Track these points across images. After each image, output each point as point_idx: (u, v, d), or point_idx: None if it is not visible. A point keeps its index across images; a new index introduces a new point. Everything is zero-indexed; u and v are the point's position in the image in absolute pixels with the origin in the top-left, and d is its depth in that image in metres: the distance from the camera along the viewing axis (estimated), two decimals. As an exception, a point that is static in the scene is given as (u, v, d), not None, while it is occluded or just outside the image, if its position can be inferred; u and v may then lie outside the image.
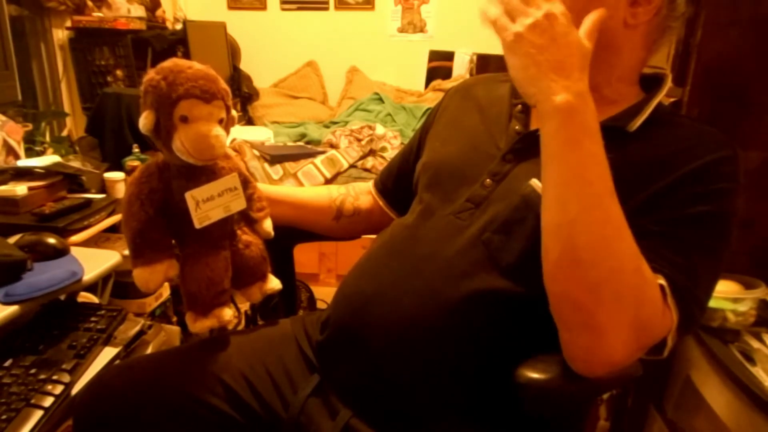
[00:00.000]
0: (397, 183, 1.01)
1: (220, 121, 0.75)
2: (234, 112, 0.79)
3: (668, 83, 0.77)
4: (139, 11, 2.72)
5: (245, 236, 0.84)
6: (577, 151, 0.60)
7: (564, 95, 0.59)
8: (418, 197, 0.86)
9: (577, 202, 0.59)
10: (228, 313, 0.80)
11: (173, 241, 0.80)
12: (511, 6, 0.62)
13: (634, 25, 0.72)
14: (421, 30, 3.72)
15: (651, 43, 0.76)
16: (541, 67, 0.60)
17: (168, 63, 0.73)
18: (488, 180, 0.77)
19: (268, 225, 0.87)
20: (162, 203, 0.76)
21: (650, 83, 0.78)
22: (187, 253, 0.79)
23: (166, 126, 0.72)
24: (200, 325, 0.79)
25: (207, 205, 0.76)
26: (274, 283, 0.88)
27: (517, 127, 0.79)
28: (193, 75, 0.72)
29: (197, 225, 0.75)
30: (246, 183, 0.83)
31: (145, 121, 0.72)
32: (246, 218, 0.85)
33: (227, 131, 0.77)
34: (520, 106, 0.81)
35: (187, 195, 0.74)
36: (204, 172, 0.77)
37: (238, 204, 0.79)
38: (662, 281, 0.61)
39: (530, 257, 0.65)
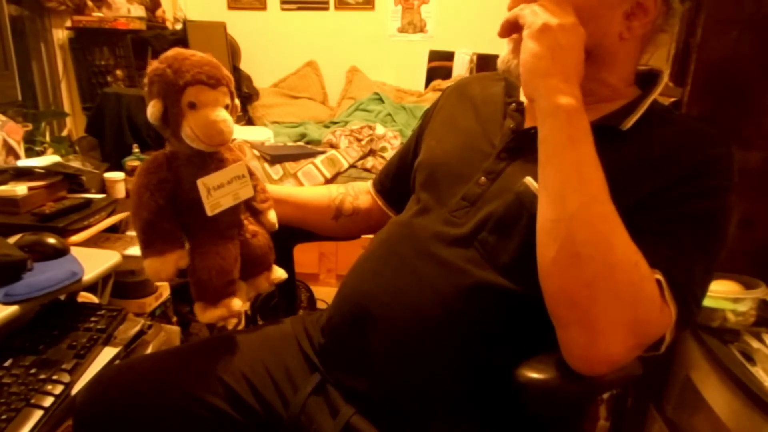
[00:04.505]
0: (396, 182, 1.01)
1: (226, 107, 0.75)
2: (237, 101, 0.79)
3: (664, 80, 0.77)
4: (139, 11, 2.72)
5: (252, 226, 0.85)
6: (577, 149, 0.62)
7: (568, 98, 0.62)
8: (415, 196, 0.87)
9: (577, 198, 0.60)
10: (237, 303, 0.80)
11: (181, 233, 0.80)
12: (548, 3, 0.65)
13: (630, 38, 0.72)
14: (421, 30, 3.72)
15: (646, 45, 0.76)
16: (554, 64, 0.63)
17: (170, 52, 0.73)
18: (483, 178, 0.77)
19: (272, 216, 0.87)
20: (171, 193, 0.75)
21: (647, 80, 0.78)
22: (197, 243, 0.78)
23: (174, 114, 0.72)
24: (210, 315, 0.78)
25: (218, 193, 0.76)
26: (279, 273, 0.89)
27: (511, 125, 0.80)
28: (198, 62, 0.72)
29: (209, 212, 0.75)
30: (250, 174, 0.84)
31: (153, 110, 0.72)
32: (251, 210, 0.86)
33: (233, 118, 0.77)
34: (514, 105, 0.82)
35: (199, 182, 0.74)
36: (213, 161, 0.77)
37: (247, 192, 0.80)
38: (659, 276, 0.61)
39: (525, 256, 0.65)
